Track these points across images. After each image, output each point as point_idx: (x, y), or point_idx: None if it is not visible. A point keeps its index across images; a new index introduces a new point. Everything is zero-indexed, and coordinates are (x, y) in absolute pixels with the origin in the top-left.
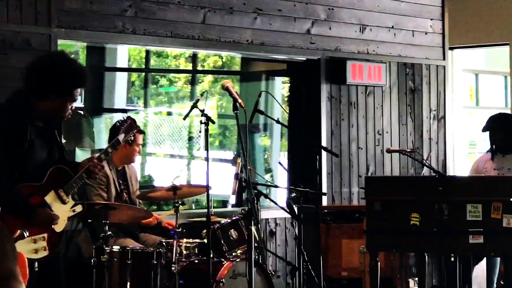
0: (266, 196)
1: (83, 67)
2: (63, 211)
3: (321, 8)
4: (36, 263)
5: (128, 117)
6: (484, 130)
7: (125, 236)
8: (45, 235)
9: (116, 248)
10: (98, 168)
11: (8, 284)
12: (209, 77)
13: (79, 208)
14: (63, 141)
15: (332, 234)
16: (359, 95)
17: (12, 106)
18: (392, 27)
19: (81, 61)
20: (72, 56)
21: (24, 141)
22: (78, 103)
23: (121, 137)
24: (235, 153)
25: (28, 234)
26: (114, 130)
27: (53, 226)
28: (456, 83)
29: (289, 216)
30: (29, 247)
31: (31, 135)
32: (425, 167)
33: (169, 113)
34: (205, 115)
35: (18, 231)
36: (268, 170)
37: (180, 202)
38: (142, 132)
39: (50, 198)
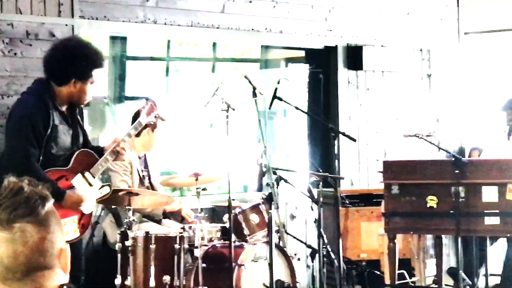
0: (286, 181)
1: (98, 49)
2: (91, 193)
3: None
4: (68, 245)
5: (149, 100)
6: (503, 109)
7: (148, 221)
8: (75, 217)
9: (140, 233)
10: (124, 149)
11: (54, 274)
12: (229, 65)
13: (106, 190)
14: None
15: (351, 217)
16: (376, 81)
17: (33, 94)
18: (408, 13)
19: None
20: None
21: (48, 127)
22: (103, 91)
23: (142, 118)
24: (256, 139)
25: None
26: (136, 114)
27: (82, 208)
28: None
29: (308, 200)
30: None
31: (55, 121)
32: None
33: (190, 101)
34: (226, 102)
35: None
36: (288, 156)
37: (202, 188)
38: (163, 119)
39: (77, 181)
